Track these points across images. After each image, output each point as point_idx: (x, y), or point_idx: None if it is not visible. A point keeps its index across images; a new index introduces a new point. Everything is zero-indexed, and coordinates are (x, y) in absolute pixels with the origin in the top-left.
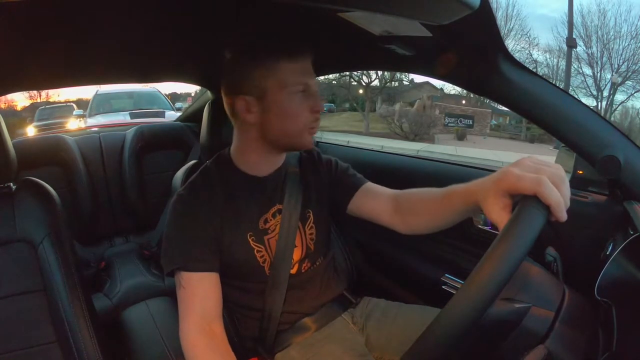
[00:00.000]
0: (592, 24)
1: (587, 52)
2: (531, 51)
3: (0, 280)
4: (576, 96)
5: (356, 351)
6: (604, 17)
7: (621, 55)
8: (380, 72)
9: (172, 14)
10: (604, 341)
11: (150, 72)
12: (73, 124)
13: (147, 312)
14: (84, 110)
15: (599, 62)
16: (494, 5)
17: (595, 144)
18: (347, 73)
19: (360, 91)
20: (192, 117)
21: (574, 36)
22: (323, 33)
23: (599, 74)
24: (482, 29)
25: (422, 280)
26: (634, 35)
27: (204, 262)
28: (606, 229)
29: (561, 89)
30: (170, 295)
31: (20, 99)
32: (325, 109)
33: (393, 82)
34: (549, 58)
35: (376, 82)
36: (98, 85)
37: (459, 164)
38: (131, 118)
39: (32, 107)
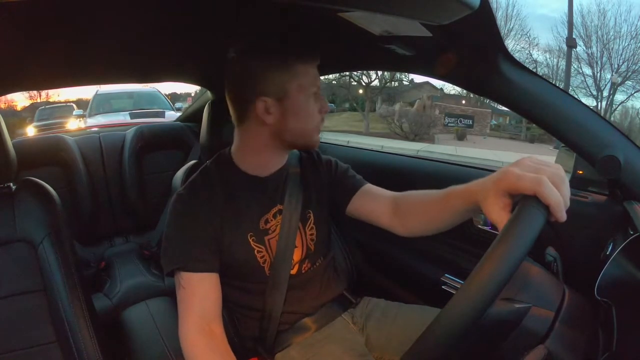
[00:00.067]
0: (592, 24)
1: (587, 52)
2: (531, 51)
3: (0, 280)
4: (576, 96)
5: (356, 351)
6: (604, 17)
7: (621, 55)
8: (380, 72)
9: (172, 14)
10: (604, 341)
11: (150, 72)
12: (73, 124)
13: (147, 312)
14: (84, 110)
15: (599, 62)
16: (494, 5)
17: (595, 144)
18: (347, 73)
19: (360, 91)
20: (192, 117)
21: (574, 36)
22: (323, 33)
23: (599, 74)
24: (482, 29)
25: (422, 280)
26: (634, 35)
27: (203, 262)
28: (606, 229)
29: (561, 89)
30: (170, 295)
31: (20, 99)
32: None
33: (393, 82)
34: (549, 58)
35: (376, 82)
36: (98, 85)
37: (459, 164)
38: (131, 118)
39: (32, 107)
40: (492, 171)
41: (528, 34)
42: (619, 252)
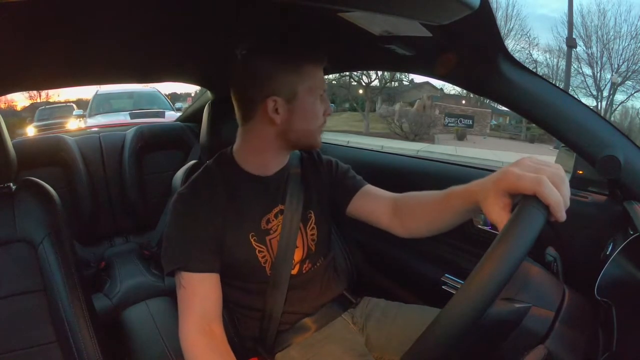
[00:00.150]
0: (592, 24)
1: (587, 52)
2: (531, 51)
3: (0, 280)
4: (576, 96)
5: (356, 351)
6: (604, 17)
7: (621, 55)
8: (380, 72)
9: (172, 14)
10: (604, 341)
11: (150, 72)
12: (73, 124)
13: (147, 312)
14: (84, 110)
15: (599, 62)
16: (494, 5)
17: (595, 144)
18: (347, 73)
19: (360, 91)
20: (192, 117)
21: (574, 36)
22: (323, 33)
23: (599, 74)
24: (482, 29)
25: (422, 280)
26: (634, 35)
27: (204, 262)
28: (606, 229)
29: (561, 89)
30: (170, 295)
31: (20, 99)
32: None
33: (393, 82)
34: (549, 58)
35: (376, 82)
36: (98, 85)
37: (459, 164)
38: (131, 118)
39: (32, 107)
40: (492, 171)
41: (528, 34)
42: (619, 252)
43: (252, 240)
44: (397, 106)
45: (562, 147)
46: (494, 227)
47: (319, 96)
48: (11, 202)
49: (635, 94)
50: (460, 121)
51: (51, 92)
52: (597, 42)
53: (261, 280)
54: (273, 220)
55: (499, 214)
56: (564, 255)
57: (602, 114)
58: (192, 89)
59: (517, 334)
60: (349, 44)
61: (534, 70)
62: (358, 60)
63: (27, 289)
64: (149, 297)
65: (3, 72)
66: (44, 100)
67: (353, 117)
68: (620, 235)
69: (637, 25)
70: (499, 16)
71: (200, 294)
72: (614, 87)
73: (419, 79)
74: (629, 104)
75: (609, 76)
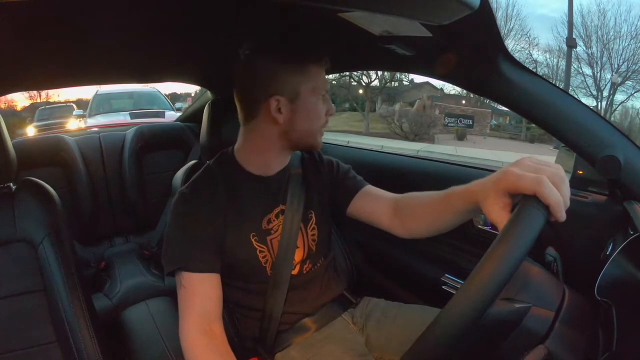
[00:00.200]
0: (592, 24)
1: (587, 52)
2: (531, 51)
3: (0, 280)
4: (576, 96)
5: (356, 351)
6: (604, 17)
7: (621, 55)
8: (380, 72)
9: (172, 14)
10: (604, 341)
11: (150, 72)
12: (73, 124)
13: (147, 312)
14: (84, 110)
15: (599, 62)
16: (494, 5)
17: (595, 144)
18: (347, 73)
19: (360, 91)
20: (192, 117)
21: (574, 36)
22: (323, 33)
23: (599, 74)
24: (482, 29)
25: (422, 280)
26: (634, 35)
27: (204, 262)
28: (606, 229)
29: (561, 89)
30: (170, 295)
31: (20, 99)
32: None
33: (393, 82)
34: (549, 58)
35: (376, 82)
36: (98, 85)
37: (459, 164)
38: (131, 118)
39: (32, 107)
40: (492, 171)
41: (528, 34)
42: (619, 252)
43: (253, 240)
44: (397, 106)
45: (562, 147)
46: (494, 227)
47: (321, 96)
48: (11, 202)
49: (635, 94)
50: (460, 121)
51: (51, 92)
52: (597, 42)
53: (261, 280)
54: (274, 220)
55: (499, 214)
56: (564, 255)
57: (602, 114)
58: (192, 89)
59: (517, 334)
60: (349, 44)
61: (534, 70)
62: (358, 60)
63: (27, 289)
64: (149, 297)
65: (3, 72)
66: (44, 100)
67: (353, 117)
68: (620, 235)
69: (637, 25)
70: (499, 16)
71: (201, 294)
72: (614, 87)
73: (419, 79)
74: (629, 104)
75: (609, 76)
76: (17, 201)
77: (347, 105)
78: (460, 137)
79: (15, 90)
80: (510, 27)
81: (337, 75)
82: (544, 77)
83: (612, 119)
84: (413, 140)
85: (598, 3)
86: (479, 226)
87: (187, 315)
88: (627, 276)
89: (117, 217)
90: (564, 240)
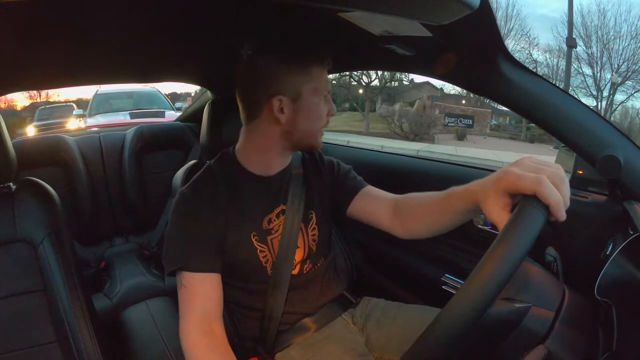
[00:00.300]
0: (592, 24)
1: (587, 52)
2: (531, 51)
3: (0, 280)
4: (576, 96)
5: (356, 351)
6: (604, 17)
7: (621, 55)
8: (380, 72)
9: (172, 14)
10: (604, 341)
11: (150, 72)
12: (73, 123)
13: (147, 312)
14: (83, 110)
15: (599, 62)
16: (494, 5)
17: (595, 144)
18: (347, 73)
19: (360, 91)
20: (192, 117)
21: (574, 36)
22: (323, 33)
23: (599, 74)
24: (482, 29)
25: (422, 280)
26: (634, 35)
27: (205, 262)
28: (606, 229)
29: (561, 89)
30: (170, 295)
31: (20, 99)
32: None
33: (393, 82)
34: (549, 58)
35: (376, 82)
36: (98, 85)
37: (459, 164)
38: (131, 118)
39: (32, 107)
40: (492, 171)
41: (528, 34)
42: (619, 252)
43: (253, 240)
44: (397, 106)
45: (562, 147)
46: (494, 227)
47: (323, 97)
48: (11, 202)
49: (635, 94)
50: (460, 121)
51: (51, 92)
52: (597, 42)
53: (262, 280)
54: (275, 220)
55: (499, 214)
56: (564, 255)
57: (602, 114)
58: (192, 89)
59: (517, 334)
60: (349, 44)
61: (534, 70)
62: (358, 60)
63: (27, 289)
64: (149, 297)
65: (3, 72)
66: (44, 100)
67: (353, 117)
68: (620, 235)
69: (637, 25)
70: (499, 16)
71: (201, 294)
72: (614, 87)
73: (419, 79)
74: (629, 104)
75: (609, 76)
76: (17, 201)
77: (347, 105)
78: (460, 137)
79: (15, 90)
80: (510, 27)
81: (337, 75)
82: (544, 77)
83: (612, 119)
84: (413, 140)
85: (598, 3)
86: (479, 226)
87: (187, 315)
88: (627, 276)
89: (117, 217)
90: (564, 240)
